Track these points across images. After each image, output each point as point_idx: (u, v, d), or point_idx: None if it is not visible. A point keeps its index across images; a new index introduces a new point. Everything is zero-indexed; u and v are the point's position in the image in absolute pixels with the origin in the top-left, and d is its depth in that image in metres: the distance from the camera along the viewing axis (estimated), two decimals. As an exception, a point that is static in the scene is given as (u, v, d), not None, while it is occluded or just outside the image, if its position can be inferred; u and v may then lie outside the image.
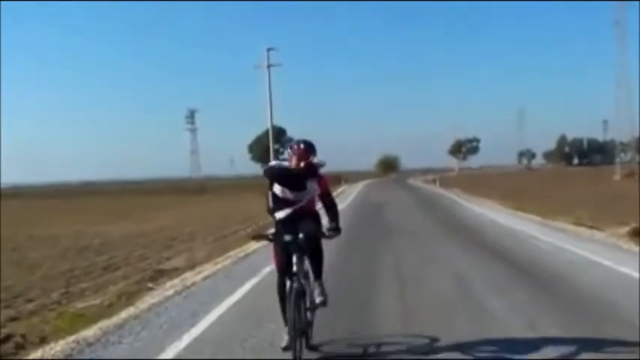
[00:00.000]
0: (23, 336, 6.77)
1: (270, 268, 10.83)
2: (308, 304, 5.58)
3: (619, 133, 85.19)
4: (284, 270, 5.51)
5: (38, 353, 6.09)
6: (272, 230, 5.81)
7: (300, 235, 5.35)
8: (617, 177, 66.06)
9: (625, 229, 14.44)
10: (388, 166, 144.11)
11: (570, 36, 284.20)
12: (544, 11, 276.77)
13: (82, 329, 6.92)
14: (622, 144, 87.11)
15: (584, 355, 5.42)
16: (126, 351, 6.01)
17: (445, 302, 7.69)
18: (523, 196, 31.69)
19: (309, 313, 5.64)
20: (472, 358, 5.50)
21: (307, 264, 5.60)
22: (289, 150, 5.59)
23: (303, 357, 5.34)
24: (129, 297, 8.95)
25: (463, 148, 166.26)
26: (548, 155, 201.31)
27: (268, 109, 48.46)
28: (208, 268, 11.40)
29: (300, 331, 5.36)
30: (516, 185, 50.96)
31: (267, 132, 61.16)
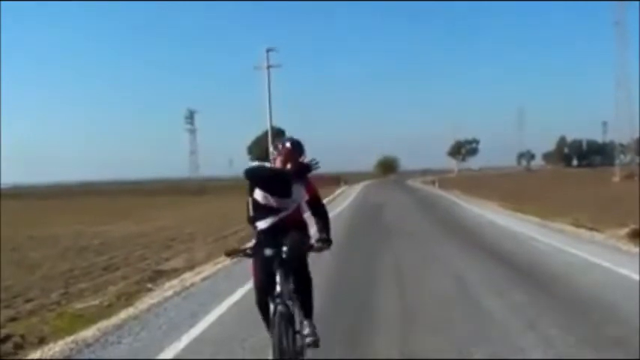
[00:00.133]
0: (22, 336, 6.77)
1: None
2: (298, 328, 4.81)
3: (618, 134, 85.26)
4: (266, 289, 4.79)
5: (37, 353, 6.08)
6: (251, 243, 5.06)
7: (284, 249, 4.69)
8: (616, 178, 66.05)
9: (624, 231, 14.45)
10: (387, 167, 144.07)
11: (570, 36, 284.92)
12: (544, 11, 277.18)
13: (81, 330, 6.92)
14: (621, 145, 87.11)
15: (584, 355, 5.42)
16: (125, 351, 6.01)
17: (444, 303, 7.68)
18: (522, 198, 31.70)
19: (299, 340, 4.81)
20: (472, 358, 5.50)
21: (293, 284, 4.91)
22: (273, 150, 4.97)
23: None
24: (128, 297, 8.95)
25: (462, 150, 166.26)
26: (547, 156, 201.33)
27: (267, 109, 48.47)
28: (208, 269, 11.39)
29: None
30: (516, 186, 50.96)
31: (266, 133, 61.15)
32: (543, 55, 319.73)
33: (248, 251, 4.84)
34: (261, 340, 6.08)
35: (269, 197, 4.85)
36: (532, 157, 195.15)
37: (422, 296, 8.17)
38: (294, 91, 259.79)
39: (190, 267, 11.83)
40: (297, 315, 4.85)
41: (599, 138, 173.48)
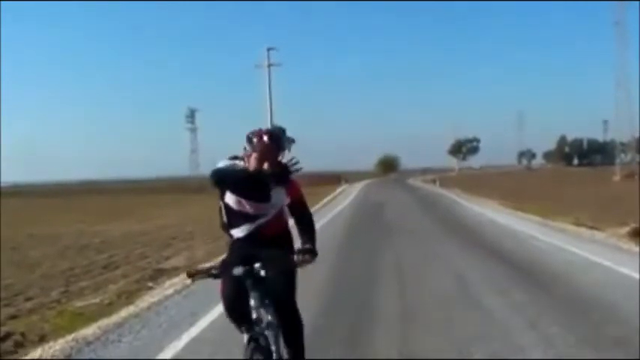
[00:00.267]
0: (23, 334, 6.77)
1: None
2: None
3: (619, 133, 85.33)
4: (238, 317, 4.07)
5: (37, 352, 6.08)
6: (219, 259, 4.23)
7: (257, 265, 3.93)
8: (617, 177, 66.07)
9: (625, 230, 14.45)
10: (388, 165, 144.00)
11: (570, 36, 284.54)
12: (544, 11, 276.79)
13: (82, 328, 6.92)
14: (622, 144, 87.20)
15: (584, 355, 5.42)
16: (125, 350, 6.01)
17: (445, 301, 7.68)
18: (523, 196, 31.69)
19: None
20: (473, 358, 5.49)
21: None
22: (247, 143, 4.01)
23: None
24: (129, 296, 8.95)
25: (463, 148, 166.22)
26: (548, 155, 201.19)
27: (268, 108, 48.45)
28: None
29: None
30: (516, 185, 50.96)
31: (267, 131, 60.76)
32: (544, 54, 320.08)
33: (214, 271, 3.97)
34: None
35: (243, 202, 4.08)
36: (533, 156, 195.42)
37: (422, 295, 8.16)
38: (294, 90, 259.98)
39: (191, 265, 11.83)
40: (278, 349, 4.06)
41: (599, 137, 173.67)
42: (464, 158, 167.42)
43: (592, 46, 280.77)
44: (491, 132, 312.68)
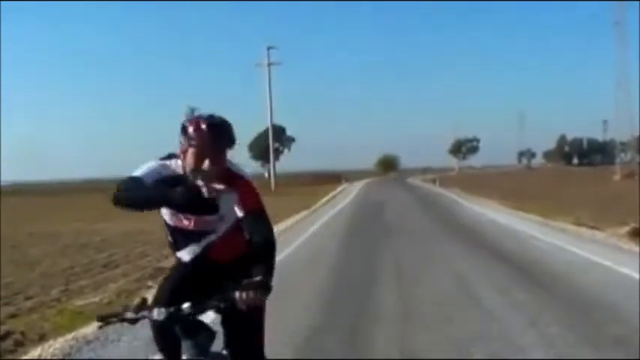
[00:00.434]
0: (23, 333, 6.76)
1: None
2: None
3: (619, 133, 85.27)
4: None
5: (37, 351, 6.08)
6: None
7: (185, 306, 2.83)
8: (617, 177, 66.06)
9: (625, 230, 14.45)
10: (388, 165, 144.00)
11: (570, 36, 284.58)
12: (544, 11, 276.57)
13: (82, 326, 6.92)
14: (622, 144, 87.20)
15: (584, 355, 5.41)
16: (125, 349, 6.00)
17: (445, 301, 7.68)
18: (523, 196, 31.68)
19: None
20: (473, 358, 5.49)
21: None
22: (182, 135, 2.92)
23: None
24: (128, 295, 8.95)
25: (463, 148, 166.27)
26: (548, 155, 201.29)
27: (268, 107, 48.43)
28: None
29: None
30: (516, 185, 50.96)
31: (266, 130, 61.10)
32: (544, 54, 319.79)
33: (129, 315, 2.83)
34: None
35: (180, 216, 3.06)
36: (532, 155, 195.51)
37: (422, 294, 8.16)
38: (294, 90, 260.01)
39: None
40: None
41: (599, 136, 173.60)
42: (464, 158, 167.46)
43: (592, 46, 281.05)
44: (491, 131, 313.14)
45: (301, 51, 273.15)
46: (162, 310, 2.84)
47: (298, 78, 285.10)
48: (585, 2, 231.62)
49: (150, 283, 9.99)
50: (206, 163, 2.86)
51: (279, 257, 10.58)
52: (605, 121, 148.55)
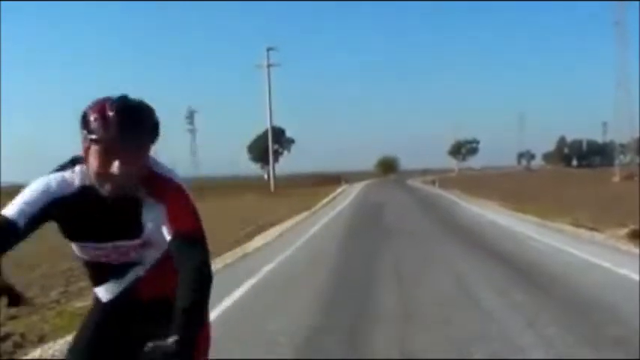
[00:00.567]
0: (22, 335, 6.77)
1: (269, 267, 10.89)
2: None
3: (618, 134, 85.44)
4: None
5: (37, 352, 6.08)
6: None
7: None
8: (616, 179, 66.10)
9: (624, 231, 14.46)
10: (387, 166, 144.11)
11: (570, 36, 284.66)
12: (544, 11, 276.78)
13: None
14: (621, 146, 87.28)
15: (584, 355, 5.42)
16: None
17: (444, 302, 7.69)
18: (522, 198, 31.70)
19: None
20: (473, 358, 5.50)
21: None
22: (81, 129, 2.11)
23: None
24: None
25: (463, 149, 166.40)
26: (547, 156, 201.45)
27: (267, 109, 48.46)
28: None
29: None
30: (516, 186, 50.96)
31: (266, 132, 61.17)
32: (543, 55, 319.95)
33: None
34: (260, 341, 6.10)
35: (88, 246, 2.28)
36: (532, 156, 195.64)
37: (422, 295, 8.17)
38: (294, 91, 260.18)
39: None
40: None
41: (599, 138, 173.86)
42: (463, 159, 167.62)
43: (592, 46, 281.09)
44: (490, 133, 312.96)
45: (301, 52, 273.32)
46: None
47: (298, 79, 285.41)
48: (585, 2, 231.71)
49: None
50: (115, 165, 2.02)
51: (282, 257, 10.74)
52: (604, 123, 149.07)
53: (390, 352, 5.65)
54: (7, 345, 6.43)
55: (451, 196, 38.86)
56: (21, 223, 2.11)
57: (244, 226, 20.21)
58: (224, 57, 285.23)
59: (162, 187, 2.15)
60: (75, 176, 2.18)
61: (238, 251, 13.72)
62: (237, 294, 8.51)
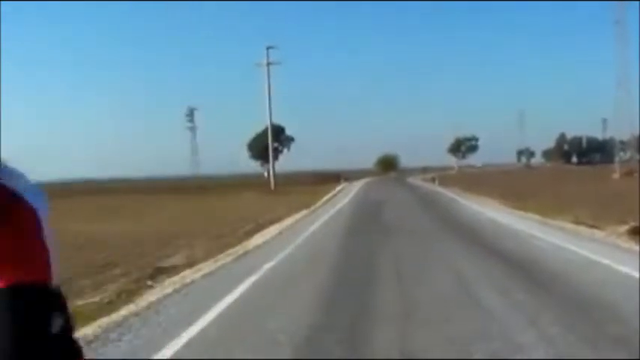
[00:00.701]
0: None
1: (269, 264, 10.90)
2: None
3: (618, 131, 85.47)
4: None
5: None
6: None
7: None
8: (616, 175, 66.13)
9: (624, 228, 14.46)
10: (387, 164, 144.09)
11: (570, 34, 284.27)
12: (544, 9, 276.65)
13: (81, 327, 6.92)
14: (621, 142, 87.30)
15: (584, 354, 5.42)
16: (125, 349, 6.01)
17: (445, 299, 7.69)
18: (522, 195, 31.70)
19: None
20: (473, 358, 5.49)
21: None
22: None
23: None
24: (128, 294, 8.96)
25: (462, 147, 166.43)
26: (547, 154, 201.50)
27: (267, 107, 48.46)
28: (207, 266, 11.42)
29: None
30: (516, 183, 50.96)
31: (266, 130, 61.16)
32: (543, 53, 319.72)
33: None
34: (260, 340, 6.10)
35: None
36: (532, 154, 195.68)
37: (422, 294, 8.17)
38: (294, 89, 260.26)
39: (190, 264, 11.85)
40: None
41: (599, 135, 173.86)
42: (463, 157, 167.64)
43: (592, 44, 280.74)
44: (490, 130, 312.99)
45: (301, 50, 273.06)
46: None
47: (298, 77, 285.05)
48: (585, 2, 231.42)
49: (149, 282, 10.02)
50: None
51: (282, 255, 10.69)
52: (604, 120, 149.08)
53: (390, 352, 5.65)
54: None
55: (451, 194, 38.86)
56: None
57: (244, 224, 20.23)
58: (224, 55, 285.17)
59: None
60: None
61: (239, 249, 13.75)
62: (240, 290, 8.53)
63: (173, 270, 11.22)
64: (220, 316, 7.17)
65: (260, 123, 77.86)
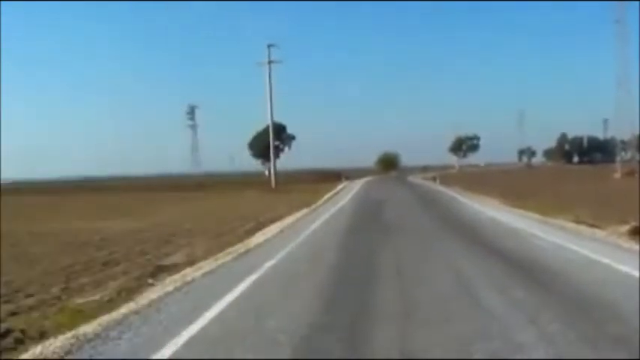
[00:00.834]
0: (23, 331, 6.77)
1: (270, 263, 10.90)
2: None
3: (619, 131, 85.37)
4: None
5: (38, 348, 6.09)
6: None
7: None
8: (617, 175, 66.10)
9: (625, 228, 14.45)
10: (388, 163, 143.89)
11: (571, 33, 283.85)
12: (544, 9, 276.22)
13: (82, 324, 6.93)
14: (622, 142, 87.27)
15: (584, 354, 5.42)
16: (125, 347, 6.01)
17: (445, 299, 7.69)
18: (523, 194, 31.69)
19: None
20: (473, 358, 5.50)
21: None
22: None
23: None
24: (129, 292, 8.97)
25: (463, 146, 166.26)
26: (548, 153, 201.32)
27: (268, 105, 48.44)
28: (208, 264, 11.42)
29: None
30: (516, 183, 50.98)
31: (267, 128, 61.17)
32: (544, 52, 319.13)
33: None
34: (262, 338, 6.10)
35: None
36: (533, 153, 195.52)
37: (422, 293, 8.17)
38: (295, 87, 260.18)
39: (191, 262, 11.85)
40: None
41: (600, 135, 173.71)
42: (464, 156, 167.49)
43: (592, 44, 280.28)
44: (491, 130, 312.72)
45: (301, 50, 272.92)
46: None
47: (299, 76, 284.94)
48: (585, 2, 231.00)
49: (150, 280, 10.03)
50: None
51: (282, 254, 10.74)
52: (605, 120, 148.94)
53: (390, 352, 5.66)
54: (8, 341, 6.44)
55: (452, 193, 38.84)
56: None
57: (245, 222, 20.23)
58: (225, 54, 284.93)
59: None
60: None
61: (240, 247, 13.75)
62: (240, 288, 8.53)
63: (174, 268, 11.24)
64: (221, 314, 7.17)
65: (261, 121, 77.88)
